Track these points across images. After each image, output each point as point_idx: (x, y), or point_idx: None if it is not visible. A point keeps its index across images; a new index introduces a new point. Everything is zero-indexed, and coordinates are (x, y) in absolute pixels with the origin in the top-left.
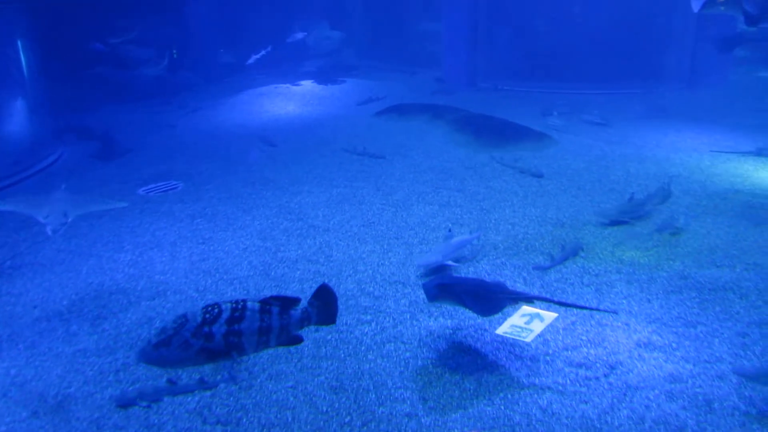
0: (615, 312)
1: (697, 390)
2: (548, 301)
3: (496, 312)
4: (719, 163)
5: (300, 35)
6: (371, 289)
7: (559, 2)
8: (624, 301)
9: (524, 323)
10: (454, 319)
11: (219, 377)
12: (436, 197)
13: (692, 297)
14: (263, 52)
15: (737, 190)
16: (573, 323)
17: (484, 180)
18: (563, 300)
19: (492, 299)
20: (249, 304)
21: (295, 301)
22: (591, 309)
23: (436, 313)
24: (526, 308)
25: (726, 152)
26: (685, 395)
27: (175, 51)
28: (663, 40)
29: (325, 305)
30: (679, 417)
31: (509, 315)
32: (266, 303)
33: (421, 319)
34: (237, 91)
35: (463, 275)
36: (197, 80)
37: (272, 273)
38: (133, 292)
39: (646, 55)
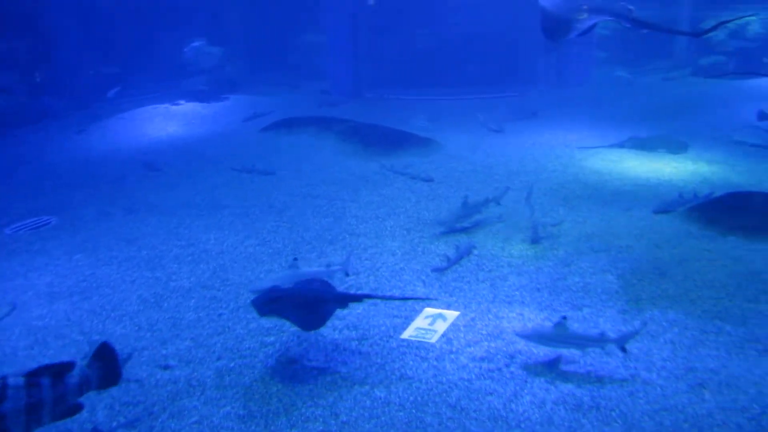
0: (435, 299)
1: (589, 368)
2: (373, 298)
3: (321, 324)
4: (589, 156)
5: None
6: None
7: (438, 13)
8: (516, 293)
9: (428, 325)
10: (359, 330)
11: None
12: (331, 209)
13: (576, 282)
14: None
15: (606, 180)
16: (473, 319)
17: (377, 188)
18: (387, 294)
19: (318, 310)
20: (10, 380)
21: (69, 366)
22: (414, 299)
23: (340, 326)
24: (428, 310)
25: (594, 147)
26: (579, 374)
27: (37, 74)
28: (533, 46)
29: (106, 365)
30: (575, 395)
31: (412, 318)
32: (33, 375)
33: (326, 335)
34: (111, 114)
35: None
36: (64, 105)
37: (165, 304)
38: (8, 342)
39: (519, 60)
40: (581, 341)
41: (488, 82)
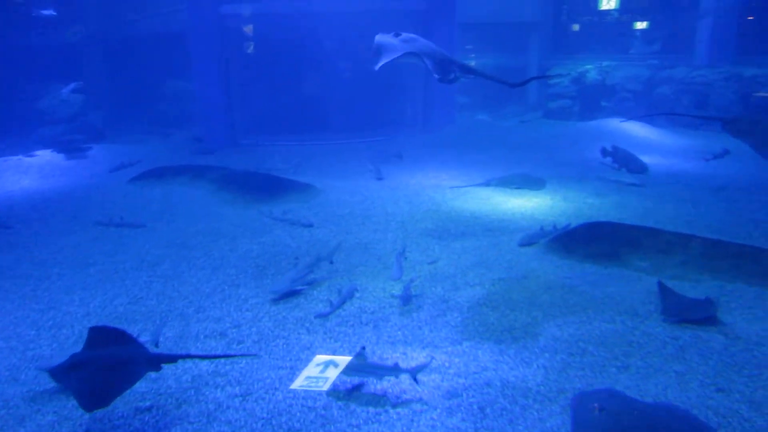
0: (255, 355)
1: (471, 400)
2: (184, 358)
3: (106, 404)
4: (460, 195)
5: None
6: None
7: (311, 59)
8: (399, 332)
9: (319, 372)
10: (243, 385)
11: None
12: (208, 261)
13: (455, 317)
14: None
15: (477, 218)
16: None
17: (256, 236)
18: (204, 354)
19: (117, 376)
20: None
21: None
22: (230, 356)
23: (222, 383)
24: (319, 357)
25: (464, 186)
26: (462, 408)
27: None
28: (400, 93)
29: None
30: (460, 429)
31: (298, 368)
32: None
33: (207, 393)
34: None
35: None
36: None
37: (22, 377)
38: None
39: (387, 106)
40: (378, 371)
41: (361, 127)
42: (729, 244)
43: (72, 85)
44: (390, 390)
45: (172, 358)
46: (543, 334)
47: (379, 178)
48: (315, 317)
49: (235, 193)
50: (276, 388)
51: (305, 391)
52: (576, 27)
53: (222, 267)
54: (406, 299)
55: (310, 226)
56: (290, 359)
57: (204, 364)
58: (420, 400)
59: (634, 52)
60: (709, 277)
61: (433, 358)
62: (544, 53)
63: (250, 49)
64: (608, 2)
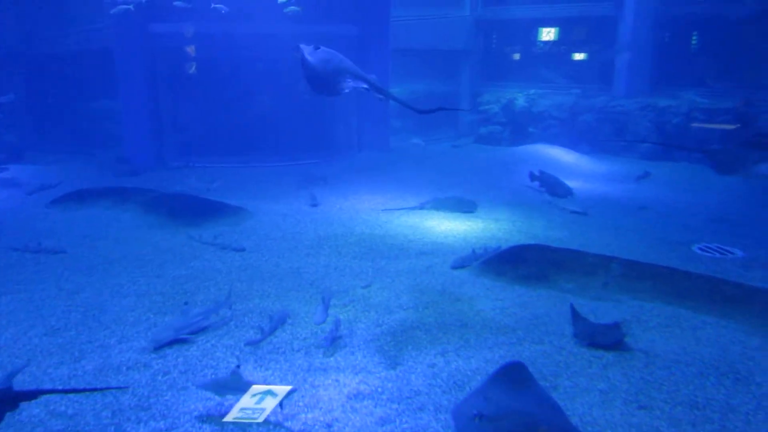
0: (126, 388)
1: (405, 426)
2: (56, 393)
3: None
4: (394, 218)
5: None
6: (63, 408)
7: (245, 79)
8: (332, 359)
9: (255, 404)
10: (167, 419)
11: None
12: (133, 288)
13: (388, 341)
14: None
15: (411, 240)
16: (291, 391)
17: (185, 261)
18: (74, 387)
19: None
20: None
21: None
22: (99, 390)
23: (146, 417)
24: (256, 387)
25: (398, 209)
26: None
27: None
28: (335, 115)
29: None
30: None
31: (232, 399)
32: None
33: (128, 429)
34: None
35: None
36: None
37: None
38: None
39: (322, 129)
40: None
41: (295, 149)
42: (646, 265)
43: None
44: (321, 419)
45: (32, 395)
46: (475, 357)
47: (314, 205)
48: (245, 345)
49: (163, 217)
50: (204, 421)
51: (239, 423)
52: (506, 56)
53: (148, 294)
54: (331, 340)
55: (242, 250)
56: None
57: (126, 397)
58: (353, 425)
59: (558, 81)
60: (629, 297)
61: (295, 389)
62: (476, 80)
63: (182, 70)
64: (548, 33)
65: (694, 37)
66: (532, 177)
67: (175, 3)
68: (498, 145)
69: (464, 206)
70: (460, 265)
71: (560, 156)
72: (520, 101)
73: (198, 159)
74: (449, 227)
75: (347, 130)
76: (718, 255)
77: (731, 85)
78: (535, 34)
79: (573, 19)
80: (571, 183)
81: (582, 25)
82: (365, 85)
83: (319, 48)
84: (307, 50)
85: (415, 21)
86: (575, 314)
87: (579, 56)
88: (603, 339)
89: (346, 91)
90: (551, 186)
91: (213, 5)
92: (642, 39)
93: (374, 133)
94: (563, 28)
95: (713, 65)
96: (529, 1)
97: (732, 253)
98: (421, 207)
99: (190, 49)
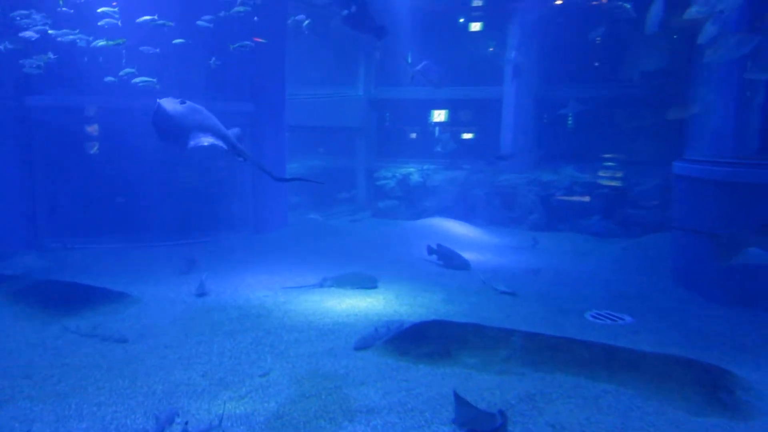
0: None
1: None
2: None
3: None
4: (292, 298)
5: None
6: None
7: (130, 158)
8: None
9: None
10: None
11: None
12: None
13: None
14: None
15: (311, 321)
16: None
17: (60, 357)
18: None
19: None
20: None
21: None
22: None
23: None
24: None
25: (297, 287)
26: None
27: None
28: (229, 191)
29: None
30: None
31: None
32: None
33: None
34: None
35: None
36: None
37: None
38: None
39: (215, 205)
40: None
41: (186, 228)
42: (545, 337)
43: None
44: None
45: None
46: None
47: (201, 293)
48: None
49: (34, 307)
50: None
51: None
52: (401, 133)
53: (13, 399)
54: None
55: (125, 341)
56: None
57: None
58: None
59: (450, 157)
60: (531, 369)
61: None
62: (372, 156)
63: (62, 145)
64: (439, 114)
65: (570, 117)
66: (430, 251)
67: (23, 35)
68: (395, 218)
69: (365, 282)
70: (363, 345)
71: (455, 229)
72: (415, 176)
73: (79, 240)
74: (351, 305)
75: (242, 207)
76: (609, 321)
77: (606, 160)
78: (427, 113)
79: (461, 101)
80: (467, 255)
81: (470, 105)
82: (224, 146)
83: (185, 102)
84: (168, 102)
85: (312, 99)
86: (458, 398)
87: (468, 134)
88: (481, 426)
89: (200, 146)
90: (448, 259)
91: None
92: (523, 120)
93: (271, 210)
94: (453, 108)
95: (589, 142)
96: (418, 84)
97: (622, 319)
98: (321, 285)
99: (74, 125)
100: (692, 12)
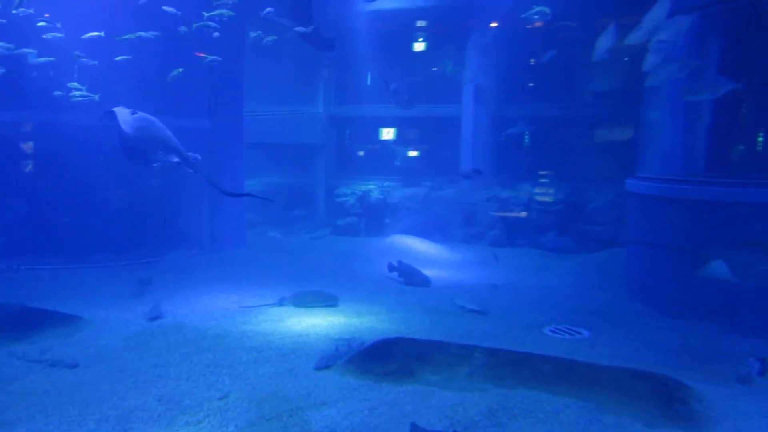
0: None
1: None
2: None
3: None
4: (251, 317)
5: None
6: None
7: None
8: None
9: None
10: None
11: None
12: None
13: None
14: None
15: (270, 341)
16: None
17: (5, 384)
18: None
19: None
20: None
21: None
22: None
23: None
24: None
25: (257, 306)
26: None
27: None
28: (185, 209)
29: None
30: None
31: None
32: None
33: None
34: None
35: None
36: None
37: None
38: None
39: (170, 223)
40: None
41: (141, 247)
42: (506, 352)
43: None
44: None
45: None
46: None
47: (154, 317)
48: None
49: None
50: None
51: None
52: (361, 150)
53: None
54: None
55: (76, 366)
56: None
57: None
58: None
59: (408, 171)
60: (493, 385)
61: None
62: (331, 173)
63: (8, 162)
64: (387, 133)
65: (527, 136)
66: (391, 268)
67: None
68: (356, 236)
69: (325, 300)
70: (324, 365)
71: (416, 245)
72: (375, 193)
73: (25, 261)
74: (311, 323)
75: (198, 225)
76: (567, 336)
77: (561, 177)
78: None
79: (421, 119)
80: (428, 271)
81: (430, 123)
82: (176, 159)
83: (136, 113)
84: (122, 115)
85: (271, 116)
86: (414, 428)
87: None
88: None
89: (152, 159)
90: (409, 276)
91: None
92: (482, 136)
93: (228, 227)
94: (413, 125)
95: (546, 160)
96: (378, 101)
97: (580, 333)
98: (281, 303)
99: (13, 140)
100: (630, 39)
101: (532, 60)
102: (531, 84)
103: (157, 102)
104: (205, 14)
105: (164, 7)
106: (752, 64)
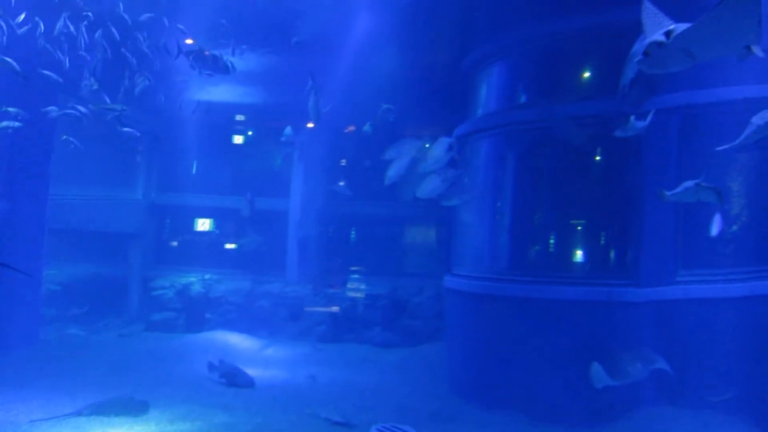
0: None
1: None
2: None
3: None
4: None
5: None
6: None
7: None
8: None
9: None
10: None
11: None
12: None
13: None
14: None
15: None
16: None
17: None
18: None
19: None
20: None
21: None
22: None
23: None
24: None
25: (47, 419)
26: None
27: None
28: None
29: None
30: None
31: None
32: None
33: None
34: None
35: None
36: None
37: None
38: None
39: None
40: None
41: None
42: None
43: None
44: None
45: None
46: None
47: None
48: None
49: None
50: None
51: None
52: (182, 241)
53: None
54: None
55: None
56: None
57: None
58: None
59: (235, 266)
60: None
61: None
62: (148, 264)
63: None
64: (203, 224)
65: (353, 232)
66: (211, 367)
67: None
68: (173, 332)
69: (133, 408)
70: None
71: (240, 343)
72: (197, 286)
73: None
74: None
75: None
76: None
77: (387, 273)
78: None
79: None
80: (252, 371)
81: (259, 216)
82: None
83: None
84: None
85: (81, 201)
86: None
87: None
88: None
89: None
90: (232, 376)
91: None
92: (311, 232)
93: (15, 325)
94: (237, 218)
95: (373, 256)
96: (201, 191)
97: (405, 431)
98: (80, 413)
99: None
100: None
101: (343, 161)
102: (352, 184)
103: None
104: None
105: None
106: (542, 175)
